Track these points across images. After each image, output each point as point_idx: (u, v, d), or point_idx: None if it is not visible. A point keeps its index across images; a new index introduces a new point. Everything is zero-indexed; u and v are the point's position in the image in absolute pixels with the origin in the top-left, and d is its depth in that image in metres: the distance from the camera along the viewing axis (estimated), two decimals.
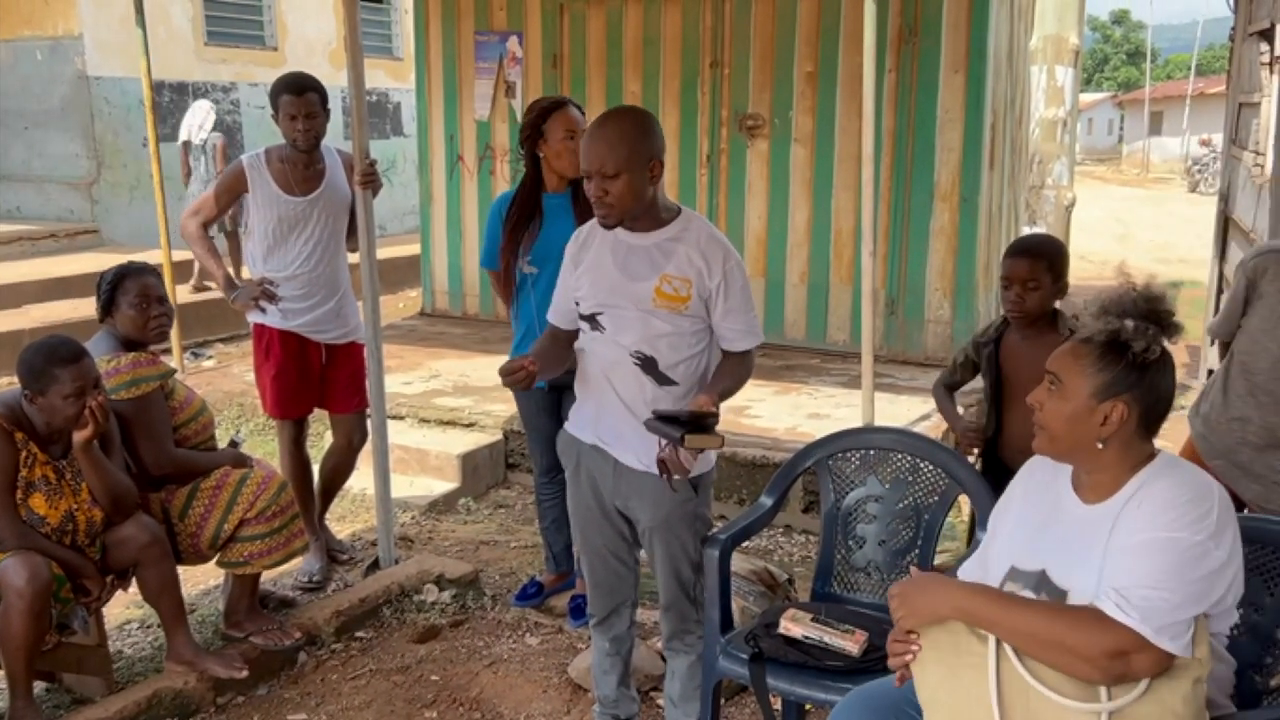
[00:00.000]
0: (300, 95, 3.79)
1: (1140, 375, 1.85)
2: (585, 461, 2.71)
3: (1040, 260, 3.00)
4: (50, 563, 2.84)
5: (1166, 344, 1.88)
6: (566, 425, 2.80)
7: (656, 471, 2.52)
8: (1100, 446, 1.87)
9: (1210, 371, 3.05)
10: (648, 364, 2.55)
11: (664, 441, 2.43)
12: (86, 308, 6.97)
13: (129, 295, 3.22)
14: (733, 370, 2.60)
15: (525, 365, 2.49)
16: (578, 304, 2.66)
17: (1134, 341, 1.84)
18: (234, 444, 3.55)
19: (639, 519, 2.68)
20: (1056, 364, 1.92)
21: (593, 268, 2.63)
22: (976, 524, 2.85)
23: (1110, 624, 1.75)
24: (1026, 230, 8.81)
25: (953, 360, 3.36)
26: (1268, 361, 2.78)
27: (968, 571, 2.12)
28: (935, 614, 1.87)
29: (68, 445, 2.93)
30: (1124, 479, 1.88)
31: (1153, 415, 1.88)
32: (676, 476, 2.50)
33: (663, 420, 2.39)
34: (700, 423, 2.33)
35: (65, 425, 2.88)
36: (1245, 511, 2.61)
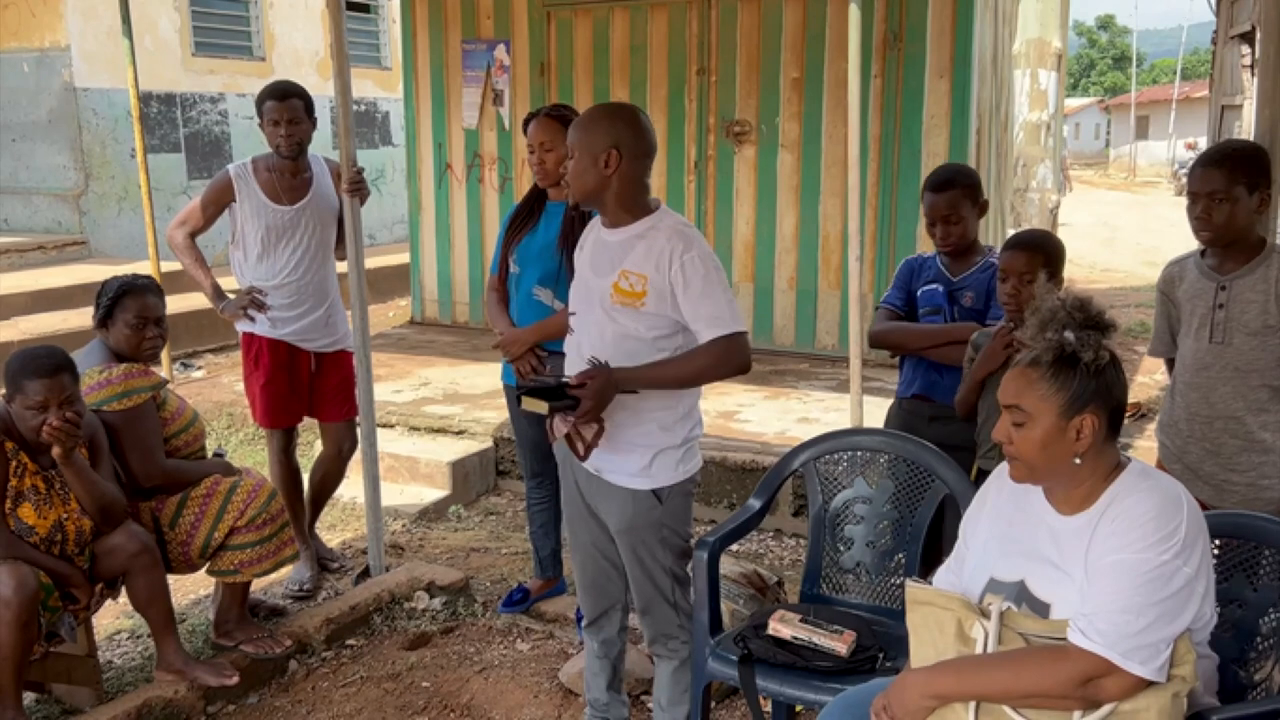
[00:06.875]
0: (283, 100, 3.80)
1: (1098, 383, 1.86)
2: (571, 460, 2.73)
3: (1037, 254, 3.03)
4: (38, 572, 2.84)
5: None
6: None
7: (615, 482, 2.61)
8: (1078, 462, 1.88)
9: None
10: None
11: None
12: (75, 319, 7.03)
13: (127, 314, 3.23)
14: (689, 356, 2.50)
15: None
16: None
17: (1082, 352, 1.85)
18: (218, 456, 3.55)
19: (608, 523, 2.70)
20: (1013, 394, 1.90)
21: (577, 267, 2.71)
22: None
23: (1074, 653, 1.77)
24: (1012, 233, 8.88)
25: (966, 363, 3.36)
26: (1191, 359, 2.84)
27: (942, 580, 2.13)
28: (918, 712, 1.91)
29: None
30: (1099, 490, 1.89)
31: (1116, 417, 1.89)
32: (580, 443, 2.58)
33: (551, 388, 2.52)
34: (557, 392, 2.45)
35: (30, 435, 2.88)
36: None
